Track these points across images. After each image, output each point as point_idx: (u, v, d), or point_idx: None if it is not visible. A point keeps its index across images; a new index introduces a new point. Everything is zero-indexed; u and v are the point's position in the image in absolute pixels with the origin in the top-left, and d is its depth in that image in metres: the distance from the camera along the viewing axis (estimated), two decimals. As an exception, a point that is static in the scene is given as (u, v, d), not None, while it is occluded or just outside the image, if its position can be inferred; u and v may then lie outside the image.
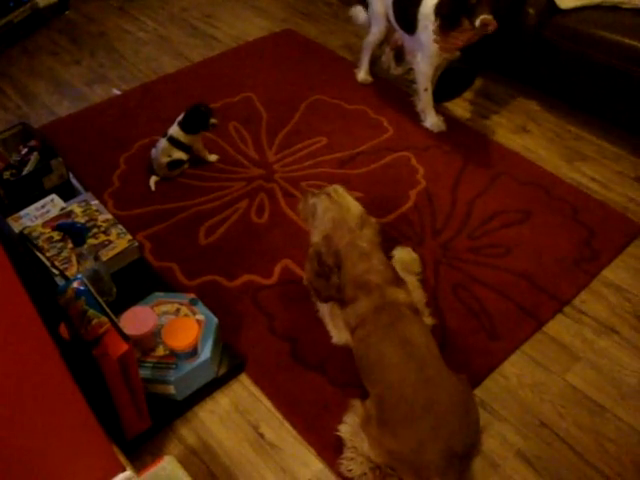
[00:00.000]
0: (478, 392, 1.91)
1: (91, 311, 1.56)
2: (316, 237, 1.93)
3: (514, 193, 2.56)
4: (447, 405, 1.60)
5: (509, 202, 2.52)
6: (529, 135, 2.89)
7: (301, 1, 4.00)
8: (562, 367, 1.98)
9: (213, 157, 2.71)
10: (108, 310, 1.57)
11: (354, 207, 1.93)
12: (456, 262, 2.27)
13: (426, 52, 2.69)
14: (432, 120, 2.87)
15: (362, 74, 3.17)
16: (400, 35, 2.93)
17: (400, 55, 3.24)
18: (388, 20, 2.91)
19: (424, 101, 2.85)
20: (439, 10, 2.51)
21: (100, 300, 1.60)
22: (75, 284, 1.65)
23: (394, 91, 3.13)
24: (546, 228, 2.41)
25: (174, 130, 2.57)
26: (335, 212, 1.90)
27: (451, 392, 1.64)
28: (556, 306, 2.14)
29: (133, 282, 2.15)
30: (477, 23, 2.36)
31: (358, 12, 3.15)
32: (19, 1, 3.65)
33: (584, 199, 2.53)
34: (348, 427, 1.71)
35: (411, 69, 2.93)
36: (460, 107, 3.02)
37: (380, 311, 1.78)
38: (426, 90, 2.82)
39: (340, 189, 1.98)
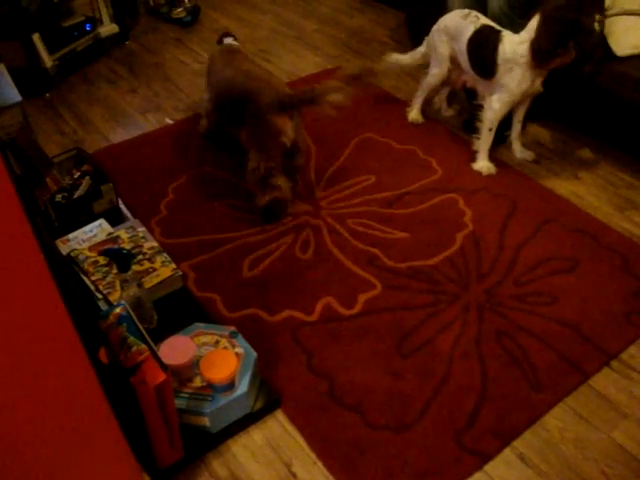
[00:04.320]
0: (518, 444, 1.85)
1: (131, 338, 1.56)
2: None
3: (562, 240, 2.50)
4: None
5: (557, 249, 2.46)
6: (580, 182, 2.84)
7: (354, 39, 4.04)
8: (608, 423, 1.91)
9: None
10: (148, 338, 1.57)
11: None
12: (501, 308, 2.22)
13: (505, 93, 2.68)
14: (483, 162, 2.85)
15: (413, 114, 3.17)
16: (469, 77, 2.90)
17: (452, 96, 3.24)
18: (453, 62, 2.91)
19: (483, 141, 2.83)
20: (539, 45, 2.51)
21: (141, 328, 1.61)
22: (118, 310, 1.66)
23: (444, 132, 3.12)
24: (595, 278, 2.35)
25: None
26: None
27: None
28: (603, 359, 2.07)
29: (174, 311, 2.16)
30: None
31: (393, 58, 3.21)
32: (83, 31, 3.76)
33: (635, 250, 2.46)
34: None
35: (465, 109, 2.92)
36: (511, 151, 2.99)
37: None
38: (490, 130, 2.80)
39: None
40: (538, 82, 2.67)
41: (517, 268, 2.38)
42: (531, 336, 2.13)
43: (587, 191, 2.79)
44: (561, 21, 2.45)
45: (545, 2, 2.51)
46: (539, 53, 2.53)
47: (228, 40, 2.98)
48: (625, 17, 2.84)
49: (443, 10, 3.01)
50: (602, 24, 2.45)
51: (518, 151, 2.96)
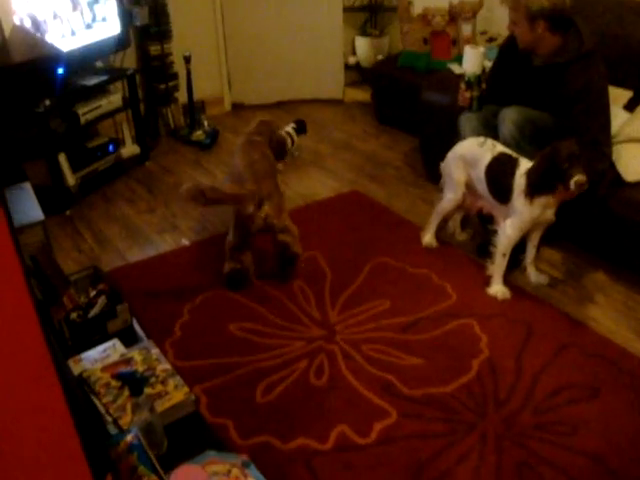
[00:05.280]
0: None
1: (142, 467, 1.53)
2: None
3: (581, 366, 2.46)
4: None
5: (576, 376, 2.41)
6: (596, 306, 2.82)
7: (369, 164, 4.15)
8: None
9: None
10: (159, 468, 1.54)
11: None
12: (520, 438, 2.15)
13: (518, 218, 2.73)
14: (498, 287, 2.85)
15: (428, 238, 3.21)
16: (486, 203, 2.96)
17: (466, 221, 3.29)
18: (468, 188, 2.98)
19: (497, 265, 2.85)
20: (530, 178, 2.60)
21: (152, 456, 1.57)
22: (129, 438, 1.62)
23: (459, 257, 3.15)
24: (617, 405, 2.28)
25: None
26: None
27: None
28: (631, 496, 1.99)
29: (185, 436, 2.10)
30: (572, 186, 2.47)
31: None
32: (106, 151, 3.89)
33: (657, 376, 2.42)
34: None
35: (478, 233, 2.95)
36: (525, 275, 2.99)
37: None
38: (504, 255, 2.82)
39: None
40: (549, 212, 2.72)
41: (536, 396, 2.33)
42: (554, 469, 2.05)
43: (604, 315, 2.76)
44: (550, 167, 2.56)
45: (555, 141, 2.61)
46: (529, 186, 2.64)
47: (288, 129, 4.00)
48: (632, 144, 2.93)
49: (456, 136, 3.11)
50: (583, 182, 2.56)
51: (533, 275, 2.97)
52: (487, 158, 2.81)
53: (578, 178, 2.48)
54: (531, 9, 2.77)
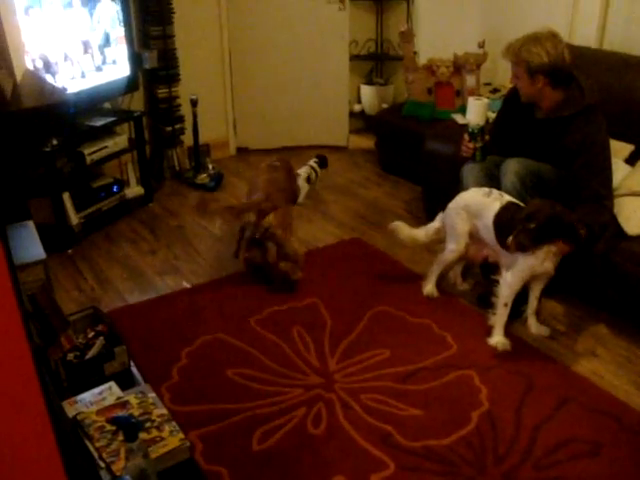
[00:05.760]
0: None
1: (133, 517, 1.49)
2: None
3: (582, 421, 2.42)
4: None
5: (577, 431, 2.38)
6: (598, 359, 2.79)
7: (371, 212, 4.17)
8: None
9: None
10: (152, 518, 1.50)
11: None
12: (520, 496, 2.12)
13: (517, 269, 2.73)
14: (498, 338, 2.83)
15: (429, 287, 3.20)
16: (492, 252, 2.94)
17: (467, 270, 3.29)
18: (472, 238, 2.98)
19: (499, 316, 2.83)
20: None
21: (145, 506, 1.54)
22: (122, 485, 1.59)
23: (459, 307, 3.14)
24: (620, 463, 2.23)
25: None
26: None
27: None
28: None
29: (179, 484, 2.07)
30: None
31: (401, 228, 3.27)
32: (110, 192, 3.92)
33: (660, 432, 2.38)
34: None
35: (479, 283, 2.95)
36: (526, 326, 2.98)
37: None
38: (506, 305, 2.81)
39: None
40: (548, 264, 2.71)
41: (536, 451, 2.29)
42: (555, 529, 2.02)
43: (605, 369, 2.74)
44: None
45: (542, 201, 2.65)
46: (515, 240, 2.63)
47: (311, 162, 4.35)
48: (633, 198, 2.94)
49: (458, 185, 3.13)
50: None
51: (534, 326, 2.95)
52: (496, 207, 2.80)
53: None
54: (531, 64, 2.81)
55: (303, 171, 4.26)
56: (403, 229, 3.26)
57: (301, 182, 4.16)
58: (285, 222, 3.19)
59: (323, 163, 4.45)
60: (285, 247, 3.16)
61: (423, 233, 3.21)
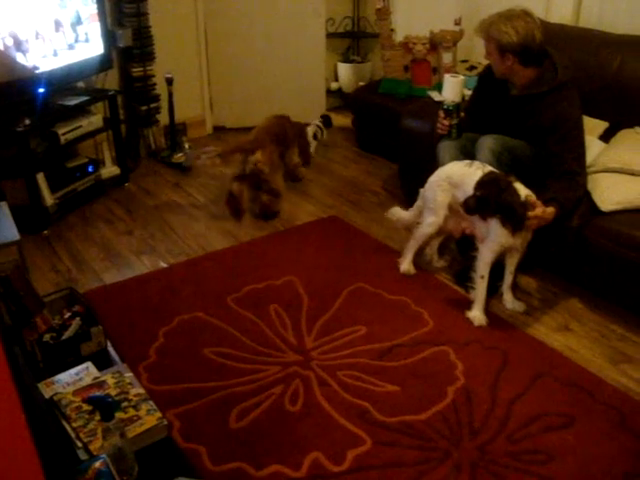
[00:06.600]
0: None
1: (110, 495, 1.50)
2: None
3: (556, 395, 2.46)
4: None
5: (551, 404, 2.42)
6: (572, 334, 2.83)
7: (349, 190, 4.17)
8: None
9: None
10: (128, 496, 1.51)
11: None
12: (494, 467, 2.14)
13: (490, 240, 2.76)
14: (476, 313, 2.86)
15: (405, 265, 3.21)
16: (470, 223, 2.95)
17: (444, 248, 3.30)
18: (451, 210, 2.99)
19: (478, 289, 2.86)
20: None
21: (121, 484, 1.54)
22: (97, 464, 1.60)
23: (436, 283, 3.16)
24: (592, 435, 2.28)
25: None
26: None
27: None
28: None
29: (156, 462, 2.07)
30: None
31: (396, 212, 3.30)
32: (85, 172, 3.88)
33: (632, 405, 2.41)
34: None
35: (456, 260, 2.96)
36: (501, 302, 3.01)
37: None
38: (482, 278, 2.84)
39: None
40: (517, 239, 2.74)
41: (510, 424, 2.33)
42: (528, 499, 2.05)
43: (579, 343, 2.78)
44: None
45: (497, 176, 2.71)
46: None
47: (317, 122, 4.67)
48: (607, 174, 2.96)
49: (434, 163, 3.13)
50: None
51: (509, 302, 2.98)
52: (477, 175, 2.79)
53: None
54: (500, 43, 2.82)
55: (310, 129, 4.56)
56: (400, 214, 3.31)
57: (309, 138, 4.51)
58: (272, 160, 3.65)
59: (327, 122, 4.79)
60: (270, 182, 3.65)
61: (412, 213, 3.23)
